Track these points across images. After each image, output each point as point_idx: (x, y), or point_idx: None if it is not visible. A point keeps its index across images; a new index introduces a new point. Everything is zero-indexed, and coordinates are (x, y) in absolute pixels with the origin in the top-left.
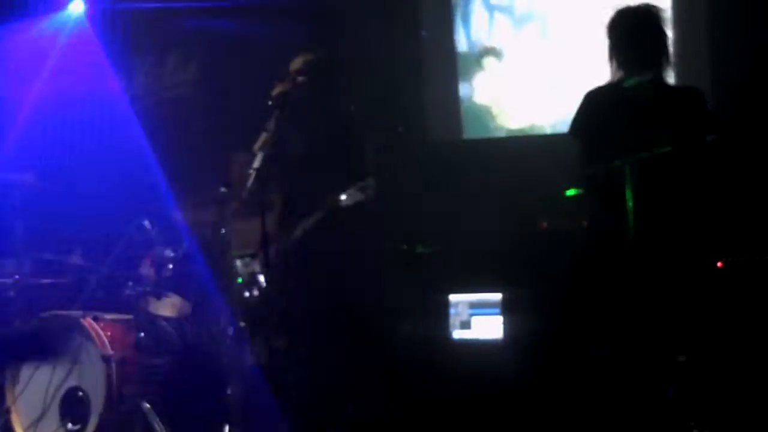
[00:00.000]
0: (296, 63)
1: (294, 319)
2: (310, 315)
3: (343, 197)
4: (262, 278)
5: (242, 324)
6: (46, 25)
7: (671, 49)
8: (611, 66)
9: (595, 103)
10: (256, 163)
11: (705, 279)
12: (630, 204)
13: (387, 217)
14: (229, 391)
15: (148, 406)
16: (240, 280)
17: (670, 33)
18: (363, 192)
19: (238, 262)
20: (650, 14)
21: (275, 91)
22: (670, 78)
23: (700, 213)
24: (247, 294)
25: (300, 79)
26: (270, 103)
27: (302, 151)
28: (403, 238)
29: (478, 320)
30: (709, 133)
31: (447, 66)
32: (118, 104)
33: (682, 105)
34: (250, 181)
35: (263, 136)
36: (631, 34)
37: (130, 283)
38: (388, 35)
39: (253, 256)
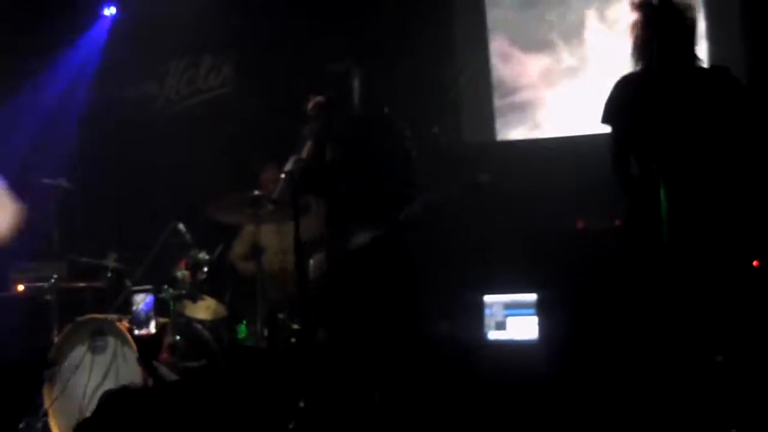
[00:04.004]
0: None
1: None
2: (350, 311)
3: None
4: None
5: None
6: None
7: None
8: (640, 55)
9: (625, 90)
10: (288, 166)
11: (741, 278)
12: (664, 204)
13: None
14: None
15: None
16: None
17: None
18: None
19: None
20: (683, 5)
21: (310, 104)
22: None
23: (735, 210)
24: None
25: (330, 95)
26: (306, 114)
27: (342, 157)
28: (439, 239)
29: (513, 321)
30: (744, 107)
31: (481, 65)
32: (151, 108)
33: (714, 85)
34: (281, 185)
35: (306, 145)
36: (664, 24)
37: (166, 286)
38: (422, 32)
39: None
